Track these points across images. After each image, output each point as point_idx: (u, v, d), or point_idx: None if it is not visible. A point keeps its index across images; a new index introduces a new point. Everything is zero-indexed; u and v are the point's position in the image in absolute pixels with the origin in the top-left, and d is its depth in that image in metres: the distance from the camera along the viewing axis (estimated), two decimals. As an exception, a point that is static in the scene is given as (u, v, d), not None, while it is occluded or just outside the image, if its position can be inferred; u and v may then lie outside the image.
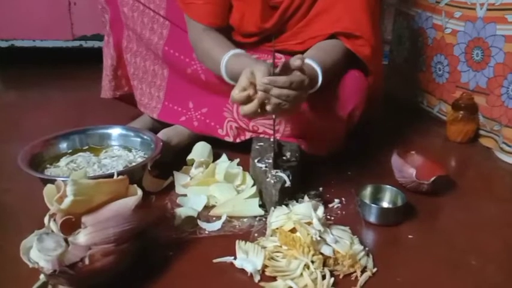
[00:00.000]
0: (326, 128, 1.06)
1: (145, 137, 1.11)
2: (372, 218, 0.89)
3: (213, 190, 0.95)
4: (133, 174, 0.94)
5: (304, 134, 1.09)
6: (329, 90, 1.03)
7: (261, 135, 1.13)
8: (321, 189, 1.00)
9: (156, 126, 1.24)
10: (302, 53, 1.03)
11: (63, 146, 1.08)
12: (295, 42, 1.10)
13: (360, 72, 1.09)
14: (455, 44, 1.40)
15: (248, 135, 1.15)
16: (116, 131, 1.13)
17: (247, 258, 0.75)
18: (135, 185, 0.76)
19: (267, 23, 1.09)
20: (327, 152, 1.09)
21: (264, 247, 0.77)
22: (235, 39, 1.14)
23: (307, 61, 0.92)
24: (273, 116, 0.94)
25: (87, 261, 0.63)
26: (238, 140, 1.16)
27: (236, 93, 0.83)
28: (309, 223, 0.77)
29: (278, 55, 1.11)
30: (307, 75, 0.85)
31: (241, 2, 1.08)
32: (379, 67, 1.15)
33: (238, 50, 1.00)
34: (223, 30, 1.10)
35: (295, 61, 0.82)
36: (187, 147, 1.11)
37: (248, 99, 0.83)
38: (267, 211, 0.89)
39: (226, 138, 1.16)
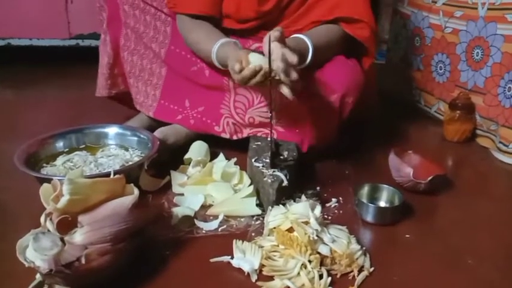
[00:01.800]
0: (319, 113, 1.06)
1: (142, 136, 1.10)
2: (369, 218, 0.89)
3: (210, 189, 0.95)
4: (130, 174, 0.93)
5: (297, 122, 1.08)
6: (322, 72, 1.05)
7: (258, 134, 1.13)
8: (318, 188, 1.00)
9: (153, 125, 1.24)
10: None
11: (60, 145, 1.08)
12: (294, 28, 1.10)
13: (355, 61, 1.09)
14: (457, 43, 1.40)
15: (245, 132, 1.14)
16: (112, 130, 1.13)
17: (245, 257, 0.75)
18: (132, 184, 0.76)
19: (264, 5, 1.09)
20: (320, 142, 1.09)
21: (261, 246, 0.77)
22: (231, 26, 1.14)
23: (300, 36, 0.94)
24: (269, 114, 0.94)
25: (83, 261, 0.63)
26: (235, 137, 1.15)
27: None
28: (306, 222, 0.77)
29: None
30: (293, 48, 0.87)
31: None
32: (373, 57, 1.16)
33: (225, 39, 1.02)
34: (212, 19, 1.11)
35: (274, 32, 0.84)
36: (184, 146, 1.11)
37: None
38: (264, 210, 0.89)
39: (223, 135, 1.16)
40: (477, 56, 1.32)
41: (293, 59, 0.83)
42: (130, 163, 1.00)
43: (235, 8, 1.11)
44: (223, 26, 1.14)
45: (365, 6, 1.07)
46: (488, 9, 1.27)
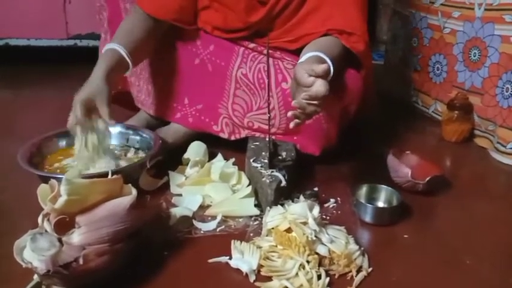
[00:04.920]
0: (319, 122, 1.06)
1: (144, 135, 1.10)
2: (368, 218, 0.89)
3: (208, 190, 0.95)
4: (132, 173, 0.94)
5: (299, 128, 1.08)
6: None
7: (257, 134, 1.13)
8: (316, 188, 1.00)
9: (152, 124, 1.24)
10: (296, 51, 1.04)
11: (62, 143, 1.07)
12: (288, 39, 1.10)
13: (354, 69, 1.09)
14: (454, 43, 1.40)
15: (243, 133, 1.15)
16: (115, 129, 1.12)
17: (243, 258, 0.74)
18: (130, 185, 0.76)
19: (253, 17, 1.09)
20: (320, 150, 1.09)
21: (259, 247, 0.77)
22: (221, 36, 1.13)
23: (317, 54, 0.91)
24: (268, 115, 0.94)
25: (81, 261, 0.63)
26: (233, 138, 1.15)
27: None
28: (305, 223, 0.77)
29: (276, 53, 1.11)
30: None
31: (219, 3, 1.09)
32: (370, 65, 1.16)
33: (112, 47, 1.00)
34: (165, 22, 1.10)
35: (319, 67, 0.80)
36: (183, 147, 1.11)
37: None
38: (262, 211, 0.89)
39: (221, 135, 1.16)
40: (474, 56, 1.33)
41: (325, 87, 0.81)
42: (132, 162, 1.00)
43: (222, 20, 1.10)
44: (214, 35, 1.13)
45: (358, 18, 1.04)
46: (486, 9, 1.27)
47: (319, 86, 0.79)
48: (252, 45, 1.11)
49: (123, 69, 1.03)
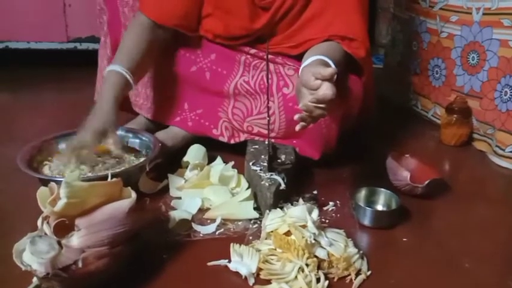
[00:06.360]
0: (320, 126, 1.06)
1: (144, 138, 1.10)
2: (366, 221, 0.89)
3: (207, 193, 0.95)
4: (131, 176, 0.94)
5: (298, 133, 1.09)
6: None
7: (256, 137, 1.13)
8: (315, 192, 1.00)
9: (151, 127, 1.24)
10: (297, 56, 1.04)
11: (62, 146, 1.07)
12: (289, 45, 1.10)
13: (354, 74, 1.09)
14: (452, 47, 1.41)
15: (243, 136, 1.15)
16: None
17: (242, 261, 0.75)
18: (129, 188, 0.76)
19: (256, 23, 1.09)
20: (320, 154, 1.09)
21: (258, 250, 0.77)
22: (222, 43, 1.13)
23: (320, 57, 0.91)
24: (267, 118, 0.94)
25: (80, 264, 0.63)
26: (232, 141, 1.16)
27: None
28: (304, 226, 0.77)
29: (276, 58, 1.11)
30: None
31: (222, 10, 1.09)
32: (370, 70, 1.16)
33: (114, 68, 1.01)
34: (169, 30, 1.10)
35: (326, 70, 0.80)
36: (182, 150, 1.11)
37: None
38: (261, 214, 0.89)
39: (221, 138, 1.16)
40: (473, 60, 1.33)
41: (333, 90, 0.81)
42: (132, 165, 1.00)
43: (223, 28, 1.10)
44: (216, 42, 1.13)
45: (360, 24, 1.05)
46: (484, 14, 1.27)
47: (326, 89, 0.79)
48: (253, 51, 1.12)
49: (127, 92, 1.06)
